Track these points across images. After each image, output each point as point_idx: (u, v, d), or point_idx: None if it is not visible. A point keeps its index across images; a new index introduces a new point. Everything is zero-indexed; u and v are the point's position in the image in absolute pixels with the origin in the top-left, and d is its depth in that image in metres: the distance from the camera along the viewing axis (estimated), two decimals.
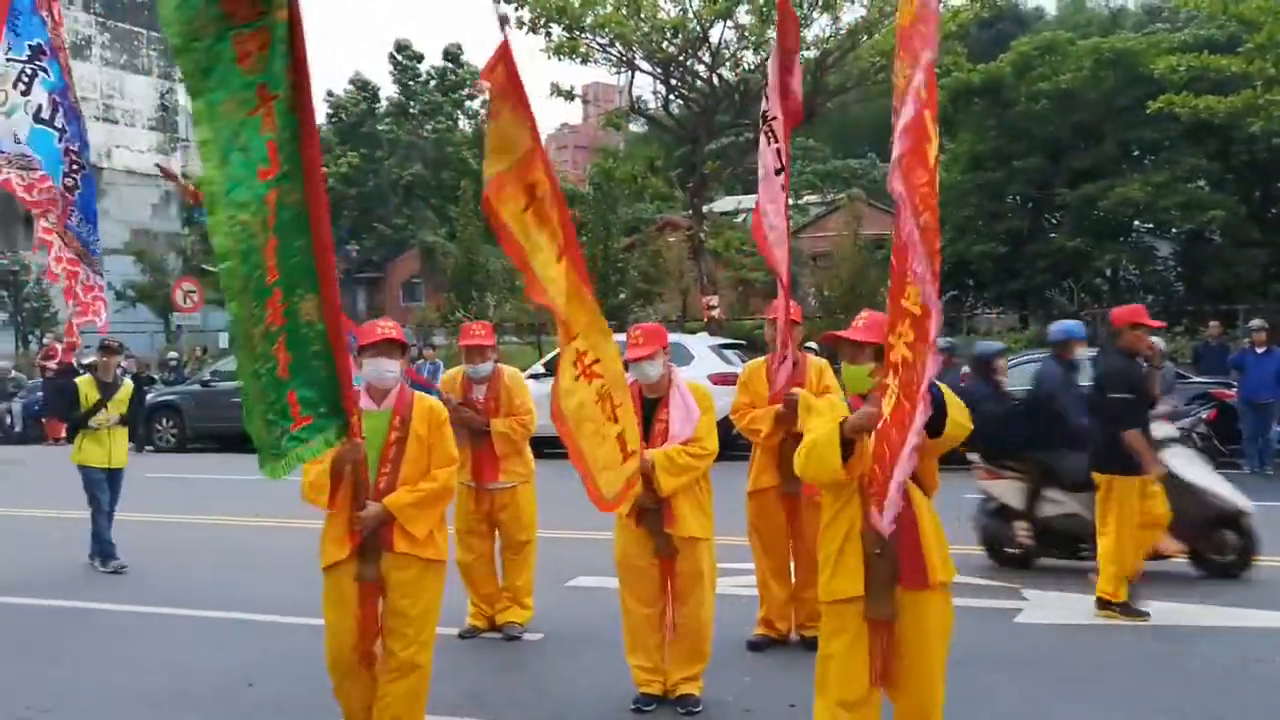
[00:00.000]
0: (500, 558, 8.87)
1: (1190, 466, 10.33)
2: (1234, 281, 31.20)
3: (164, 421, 25.10)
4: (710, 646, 6.98)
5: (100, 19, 56.54)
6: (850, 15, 31.03)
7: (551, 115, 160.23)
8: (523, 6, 30.41)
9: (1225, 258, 31.84)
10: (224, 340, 37.85)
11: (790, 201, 6.96)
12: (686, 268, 35.32)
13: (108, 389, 11.83)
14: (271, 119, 4.86)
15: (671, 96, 34.11)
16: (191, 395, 25.55)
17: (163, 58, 61.23)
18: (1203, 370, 19.89)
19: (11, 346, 41.45)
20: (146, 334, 42.09)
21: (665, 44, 31.02)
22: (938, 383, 4.62)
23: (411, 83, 59.49)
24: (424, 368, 22.59)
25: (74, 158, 9.38)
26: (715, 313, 29.95)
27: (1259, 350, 17.51)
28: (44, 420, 25.16)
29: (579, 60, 31.43)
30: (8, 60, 8.95)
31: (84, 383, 11.87)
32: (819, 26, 30.49)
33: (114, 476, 11.91)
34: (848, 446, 4.91)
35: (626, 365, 6.65)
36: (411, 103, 59.09)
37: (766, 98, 7.30)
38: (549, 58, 31.26)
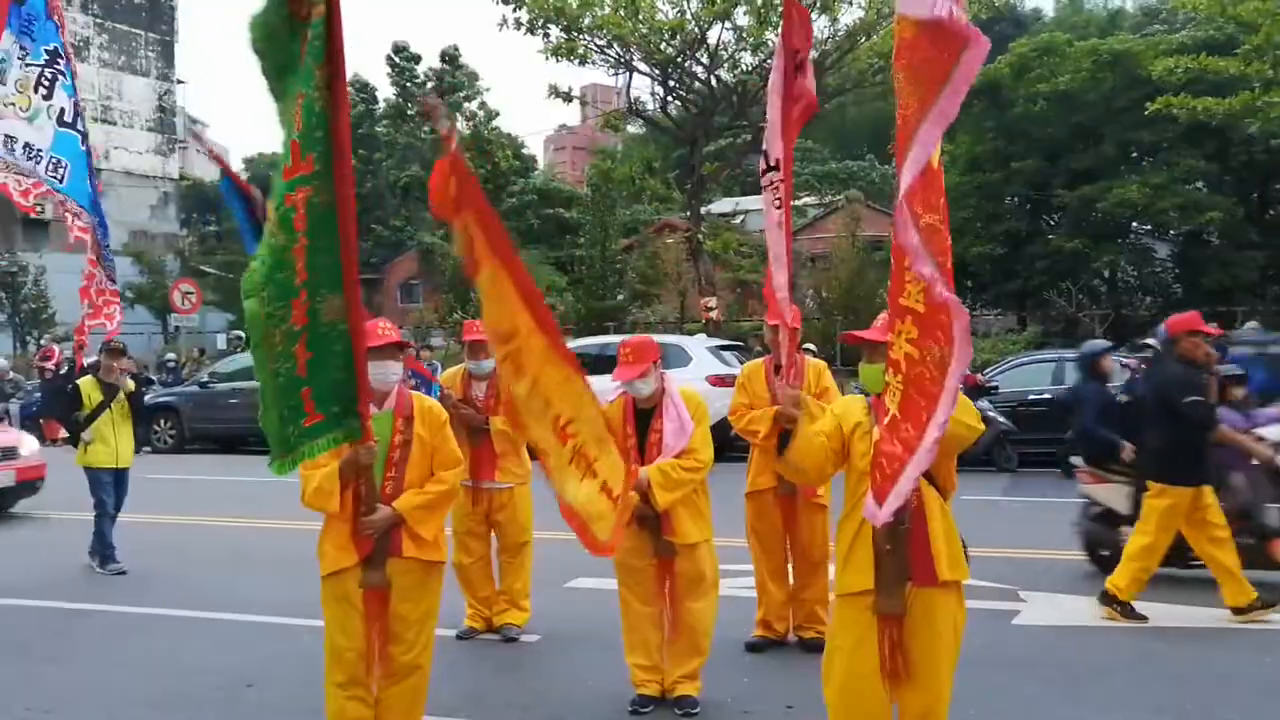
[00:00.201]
0: (497, 560, 8.86)
1: None
2: (1232, 283, 31.26)
3: (162, 423, 25.08)
4: (709, 644, 6.98)
5: (98, 20, 56.58)
6: (849, 17, 31.09)
7: (549, 117, 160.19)
8: (520, 7, 30.43)
9: (1223, 259, 31.90)
10: (222, 342, 37.92)
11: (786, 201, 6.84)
12: (684, 269, 35.33)
13: (110, 390, 11.76)
14: (297, 117, 4.83)
15: (670, 98, 34.12)
16: (189, 397, 25.53)
17: (160, 59, 61.31)
18: None
19: (9, 348, 41.47)
20: (144, 335, 42.10)
21: (663, 45, 31.05)
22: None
23: (409, 84, 59.50)
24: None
25: (94, 159, 9.40)
26: (713, 314, 29.96)
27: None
28: (41, 421, 25.13)
29: (577, 61, 31.47)
30: (26, 65, 8.95)
31: (86, 384, 11.80)
32: (817, 28, 30.49)
33: (120, 476, 11.87)
34: (785, 437, 5.08)
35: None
36: (409, 105, 59.10)
37: (765, 152, 7.03)
38: (547, 59, 31.29)
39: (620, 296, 36.70)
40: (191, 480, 19.44)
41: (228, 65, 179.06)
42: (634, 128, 50.86)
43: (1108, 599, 8.89)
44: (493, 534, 8.82)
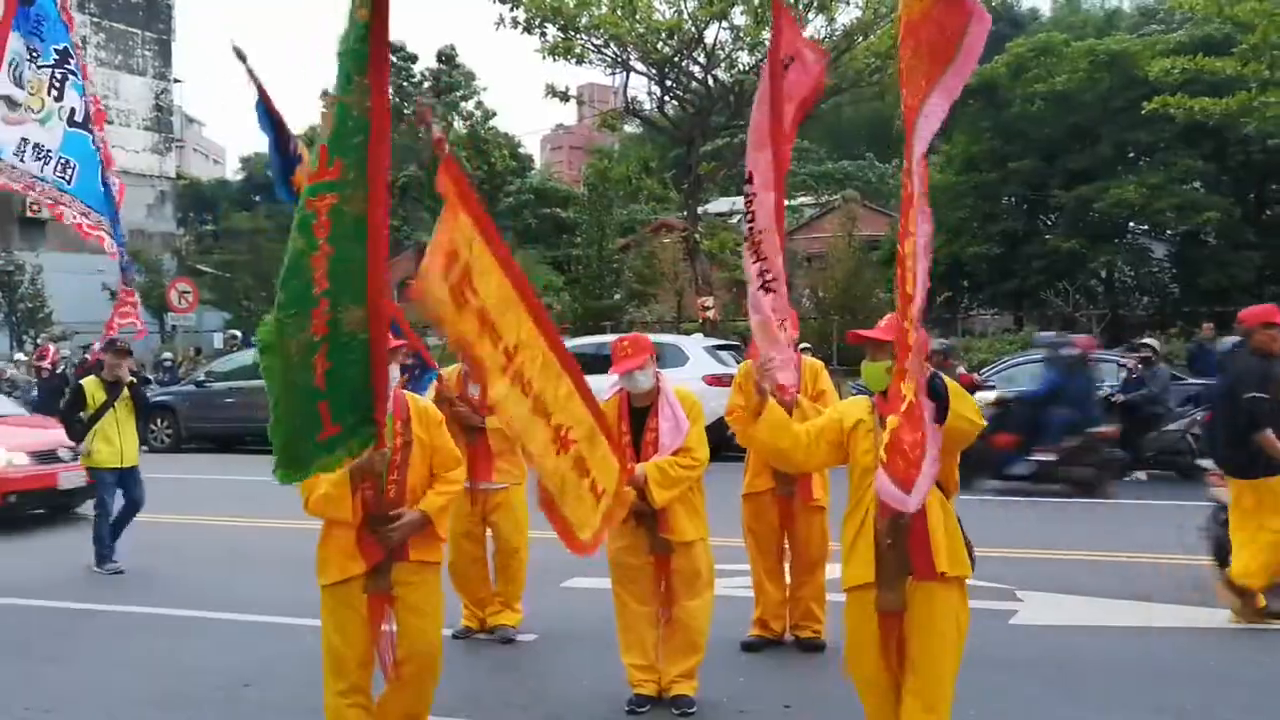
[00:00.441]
0: (492, 562, 8.85)
1: None
2: (1229, 283, 31.23)
3: (159, 422, 25.06)
4: (705, 642, 6.99)
5: (95, 19, 56.51)
6: (846, 16, 31.11)
7: (546, 116, 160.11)
8: (517, 7, 30.45)
9: (1220, 259, 31.87)
10: (218, 341, 37.89)
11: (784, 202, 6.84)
12: (681, 269, 35.34)
13: (114, 389, 11.71)
14: (329, 121, 4.77)
15: (666, 97, 34.13)
16: (186, 396, 25.53)
17: (158, 58, 61.23)
18: (1197, 372, 19.93)
19: (6, 347, 41.41)
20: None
21: (660, 45, 31.07)
22: (943, 375, 4.80)
23: (405, 84, 59.42)
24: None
25: (105, 156, 9.35)
26: (710, 314, 29.97)
27: None
28: None
29: (574, 61, 31.49)
30: (39, 68, 8.94)
31: (90, 384, 11.77)
32: (814, 28, 30.56)
33: (126, 476, 11.83)
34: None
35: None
36: (405, 104, 59.04)
37: (749, 204, 6.97)
38: (544, 58, 31.32)
39: (617, 296, 36.71)
40: (189, 479, 19.43)
41: (225, 65, 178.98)
42: (631, 127, 50.90)
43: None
44: (487, 534, 8.83)
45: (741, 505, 8.40)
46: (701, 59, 31.75)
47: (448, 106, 58.49)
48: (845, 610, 5.35)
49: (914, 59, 4.36)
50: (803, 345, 14.75)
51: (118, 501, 11.89)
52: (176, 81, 64.91)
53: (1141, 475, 16.91)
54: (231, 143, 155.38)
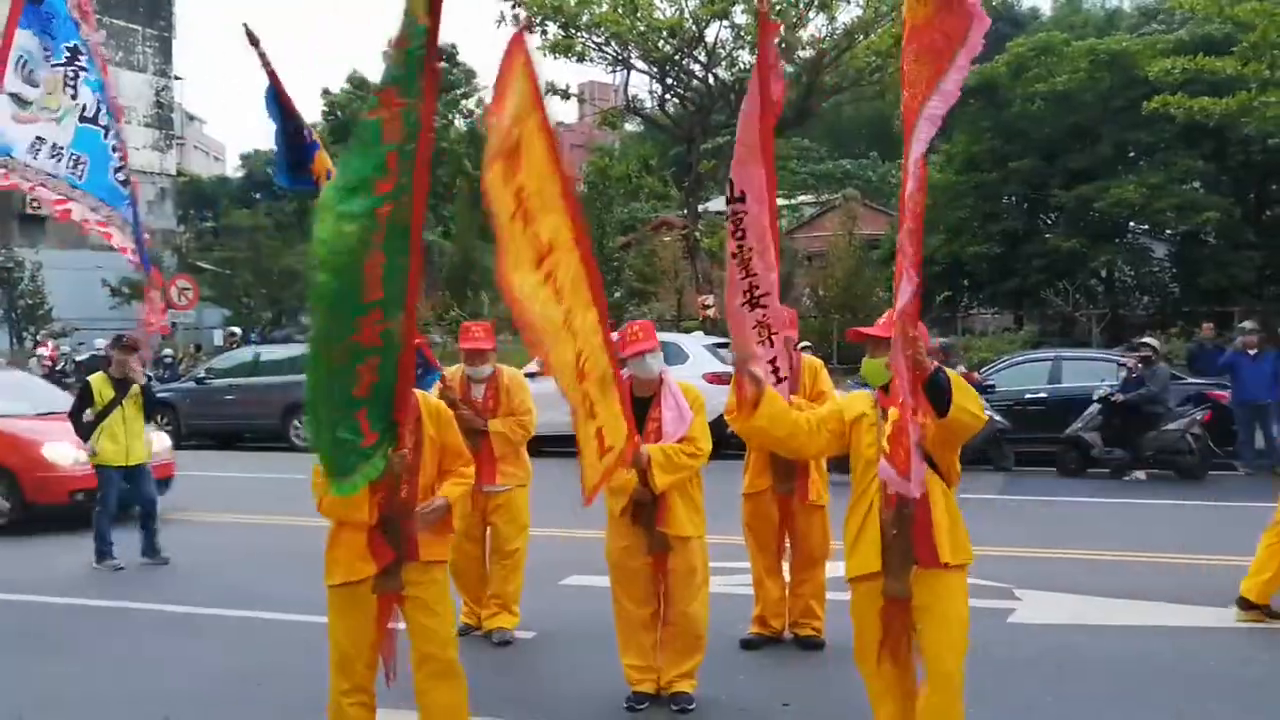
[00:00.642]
0: (489, 562, 8.81)
1: None
2: (1229, 283, 31.24)
3: (159, 419, 25.00)
4: (705, 642, 6.99)
5: (96, 15, 56.39)
6: (846, 15, 31.11)
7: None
8: (519, 4, 30.44)
9: (1220, 259, 31.87)
10: (218, 338, 37.91)
11: (783, 203, 6.84)
12: (682, 267, 35.35)
13: (123, 387, 11.62)
14: (397, 126, 4.72)
15: (667, 96, 34.14)
16: (186, 393, 25.52)
17: (158, 55, 61.29)
18: (1196, 371, 19.93)
19: (6, 344, 41.46)
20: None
21: (661, 43, 31.08)
22: (948, 369, 4.97)
23: None
24: None
25: (123, 153, 9.27)
26: (710, 312, 29.97)
27: (1251, 353, 17.51)
28: None
29: (575, 59, 31.50)
30: (53, 66, 8.92)
31: (97, 380, 11.69)
32: (815, 26, 30.56)
33: (134, 474, 11.73)
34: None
35: (624, 362, 6.65)
36: None
37: (730, 180, 6.97)
38: (544, 56, 31.31)
39: (618, 294, 36.70)
40: (189, 476, 19.40)
41: (225, 62, 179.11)
42: (631, 125, 50.87)
43: None
44: (486, 534, 8.79)
45: (741, 503, 8.39)
46: (702, 57, 31.76)
47: (448, 105, 58.52)
48: (851, 601, 5.46)
49: (917, 63, 4.54)
50: (803, 344, 14.73)
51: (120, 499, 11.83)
52: (177, 78, 64.98)
53: (1141, 475, 16.90)
54: (232, 140, 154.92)
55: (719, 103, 32.95)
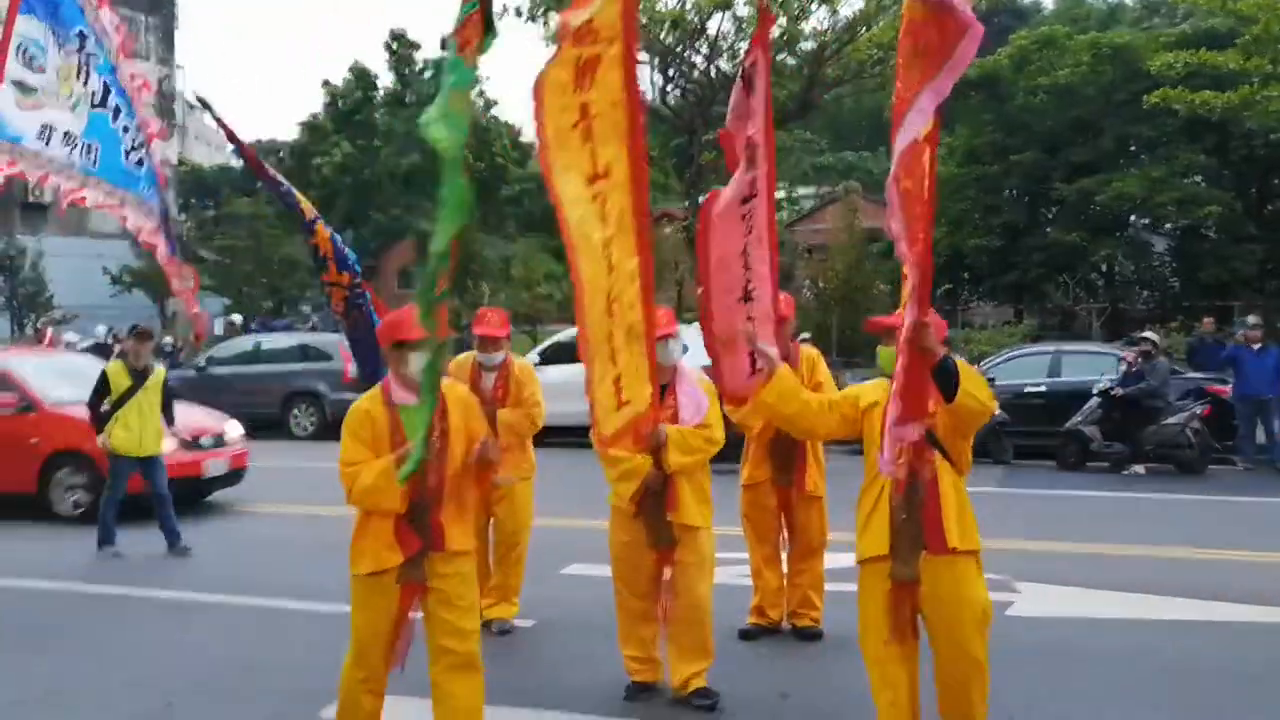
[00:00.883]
0: (491, 554, 8.80)
1: None
2: (1229, 278, 31.30)
3: None
4: (712, 638, 6.97)
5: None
6: (848, 8, 31.04)
7: None
8: None
9: (1221, 253, 31.92)
10: (219, 326, 37.88)
11: (782, 195, 6.81)
12: (682, 258, 35.29)
13: (139, 376, 11.55)
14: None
15: (669, 87, 34.08)
16: (186, 381, 25.48)
17: (161, 43, 61.25)
18: (1196, 366, 19.96)
19: (7, 331, 41.45)
20: (141, 319, 42.04)
21: (663, 34, 31.00)
22: (956, 357, 5.10)
23: (407, 72, 59.37)
24: None
25: (134, 135, 9.19)
26: None
27: (1255, 347, 17.54)
28: None
29: None
30: (66, 54, 8.88)
31: (114, 370, 11.61)
32: (816, 19, 30.48)
33: (149, 464, 11.61)
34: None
35: None
36: (408, 92, 58.96)
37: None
38: (547, 46, 31.24)
39: None
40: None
41: (228, 50, 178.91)
42: None
43: None
44: (489, 525, 8.78)
45: (740, 494, 8.39)
46: (704, 49, 31.69)
47: None
48: (859, 583, 5.52)
49: (912, 56, 4.67)
50: (802, 336, 14.73)
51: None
52: (179, 67, 64.93)
53: (1140, 469, 16.92)
54: (237, 129, 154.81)
55: (720, 94, 32.82)
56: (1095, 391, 17.51)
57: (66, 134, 8.84)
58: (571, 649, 8.16)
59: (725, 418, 7.09)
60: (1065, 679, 7.33)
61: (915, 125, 4.63)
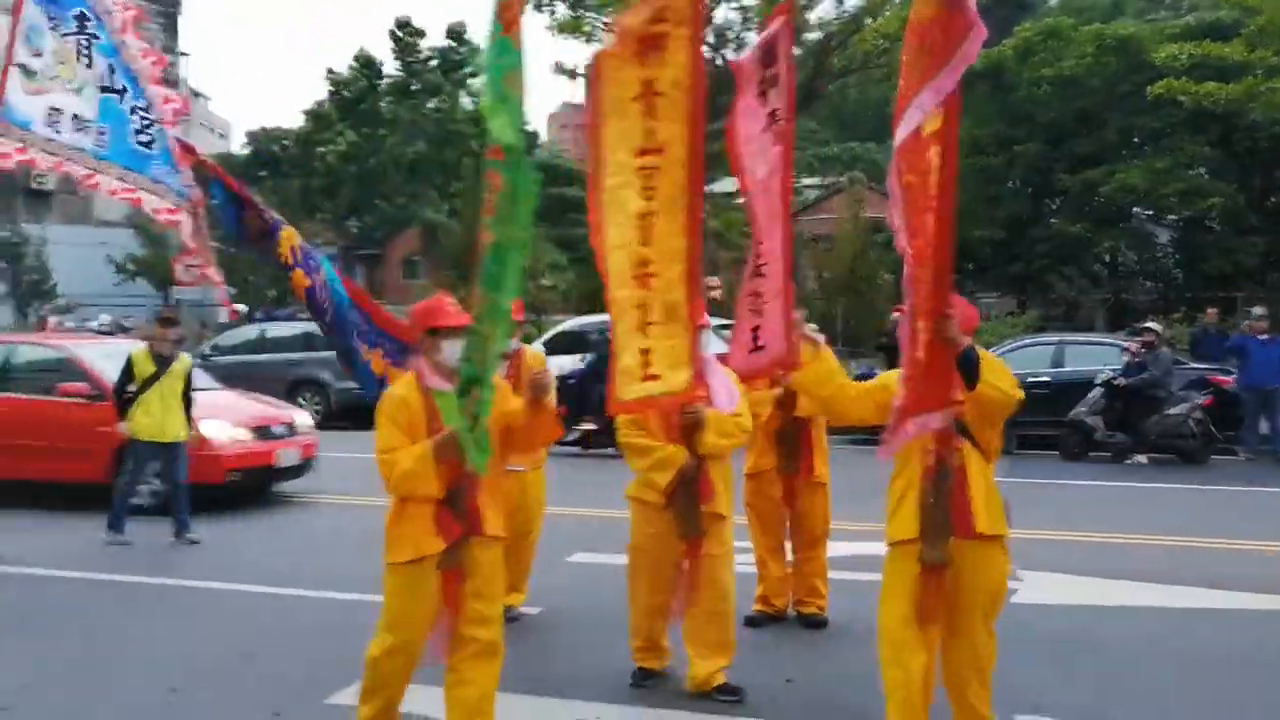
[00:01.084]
0: None
1: None
2: (1233, 269, 31.29)
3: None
4: (734, 631, 6.97)
5: None
6: None
7: (553, 93, 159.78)
8: None
9: (1224, 245, 31.91)
10: (223, 315, 37.91)
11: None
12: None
13: (164, 362, 11.49)
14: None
15: None
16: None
17: (164, 31, 61.22)
18: (1199, 356, 19.99)
19: (10, 319, 41.51)
20: (146, 308, 42.10)
21: None
22: (978, 347, 5.26)
23: (413, 60, 59.34)
24: None
25: (142, 114, 9.10)
26: (716, 294, 29.87)
27: (1261, 338, 17.59)
28: None
29: (583, 39, 31.46)
30: (63, 36, 8.83)
31: (139, 355, 11.52)
32: (822, 9, 30.53)
33: (170, 450, 11.53)
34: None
35: None
36: (413, 80, 58.95)
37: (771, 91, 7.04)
38: (552, 35, 31.29)
39: None
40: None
41: (231, 38, 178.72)
42: None
43: None
44: None
45: (744, 483, 8.42)
46: (710, 39, 31.70)
47: (456, 84, 58.42)
48: (886, 563, 5.62)
49: (917, 54, 4.83)
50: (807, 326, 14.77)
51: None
52: (183, 54, 64.90)
53: (1143, 459, 16.98)
54: (237, 117, 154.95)
55: (726, 84, 32.89)
56: (1098, 382, 17.55)
57: (75, 117, 8.80)
58: (577, 636, 8.19)
59: None
60: (1068, 667, 7.35)
61: (913, 120, 4.80)
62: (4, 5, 9.99)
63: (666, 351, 5.99)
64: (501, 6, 4.91)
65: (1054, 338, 21.67)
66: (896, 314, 16.14)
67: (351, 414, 21.50)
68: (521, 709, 6.46)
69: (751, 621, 8.28)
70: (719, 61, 32.28)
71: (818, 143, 53.44)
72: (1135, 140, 34.74)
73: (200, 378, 13.66)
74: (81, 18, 8.86)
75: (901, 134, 4.86)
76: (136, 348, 11.88)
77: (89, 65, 8.84)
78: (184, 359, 11.80)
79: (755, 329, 6.39)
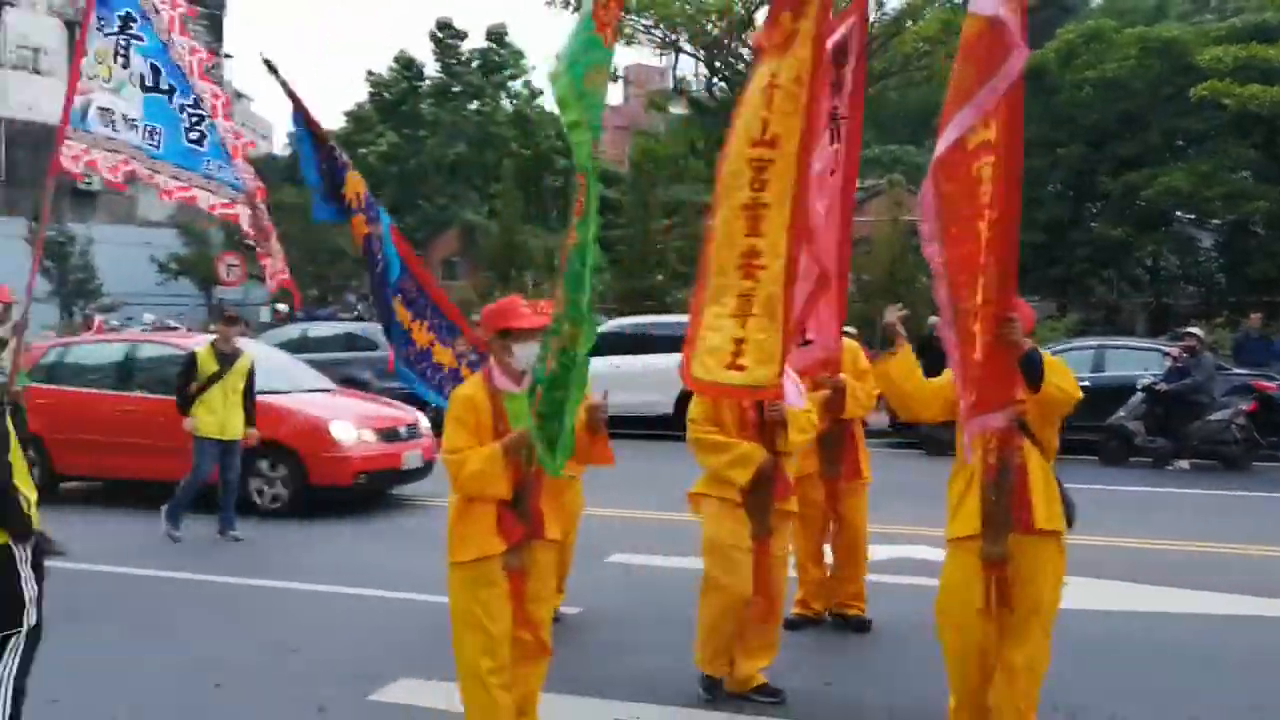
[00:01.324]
0: None
1: None
2: (1277, 273, 31.01)
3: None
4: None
5: None
6: (895, 1, 31.01)
7: None
8: None
9: (1269, 249, 31.62)
10: (265, 315, 38.14)
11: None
12: None
13: (226, 360, 11.58)
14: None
15: (715, 79, 34.12)
16: None
17: (209, 32, 61.63)
18: (1242, 362, 19.85)
19: (56, 318, 41.85)
20: (188, 307, 42.41)
21: (710, 26, 31.07)
22: (1039, 348, 5.50)
23: (454, 62, 59.53)
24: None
25: (191, 112, 9.14)
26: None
27: None
28: None
29: (623, 42, 31.54)
30: (105, 35, 8.91)
31: (203, 354, 11.60)
32: None
33: (228, 449, 11.61)
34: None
35: None
36: (454, 82, 59.14)
37: (836, 91, 7.15)
38: None
39: (660, 276, 36.69)
40: None
41: (272, 39, 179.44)
42: (676, 108, 50.85)
43: None
44: None
45: None
46: (751, 40, 31.73)
47: (496, 86, 58.56)
48: (947, 559, 5.80)
49: (964, 66, 5.00)
50: (846, 330, 14.75)
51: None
52: (227, 56, 65.33)
53: (1184, 464, 16.89)
54: (280, 118, 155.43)
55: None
56: (1139, 387, 17.47)
57: (125, 117, 8.87)
58: (618, 636, 8.22)
59: None
60: (1080, 670, 7.28)
61: (952, 135, 4.94)
62: (54, 8, 10.08)
63: (758, 345, 6.04)
64: (598, 6, 4.97)
65: (1094, 342, 21.55)
66: (933, 319, 16.17)
67: None
68: (562, 708, 6.49)
69: (790, 624, 8.26)
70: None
71: None
72: (1178, 143, 34.51)
73: (318, 378, 13.82)
74: (127, 18, 8.91)
75: (942, 147, 4.99)
76: (200, 346, 11.98)
77: (125, 65, 8.90)
78: (246, 357, 11.82)
79: (802, 327, 6.49)
